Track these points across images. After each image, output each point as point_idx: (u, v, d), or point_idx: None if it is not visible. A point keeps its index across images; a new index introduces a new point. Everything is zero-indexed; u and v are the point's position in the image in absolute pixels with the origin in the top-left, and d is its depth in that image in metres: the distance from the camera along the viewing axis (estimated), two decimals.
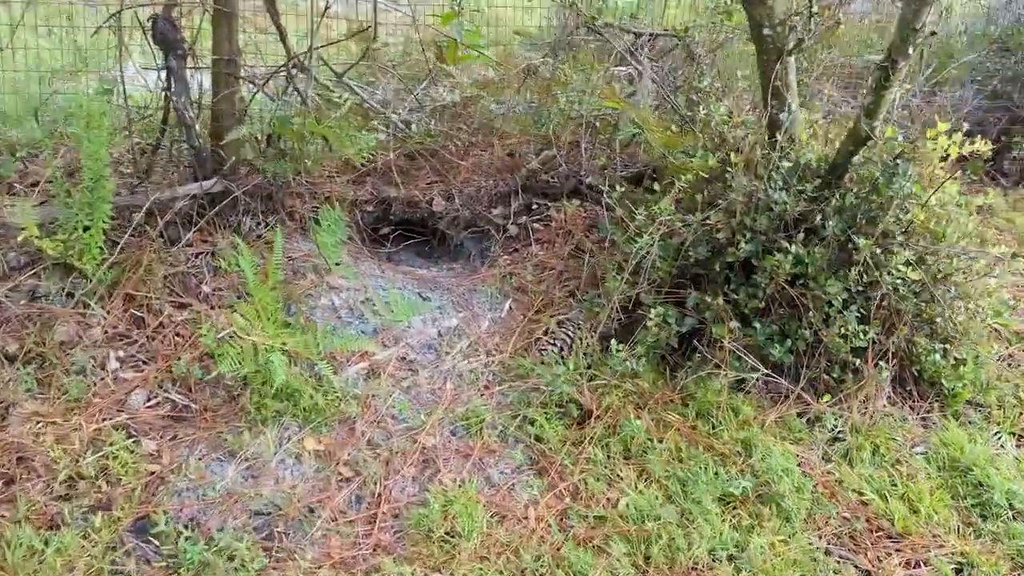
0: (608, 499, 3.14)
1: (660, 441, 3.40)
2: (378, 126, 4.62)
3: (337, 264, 3.95)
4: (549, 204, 4.84)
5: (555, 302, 4.21)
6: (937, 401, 3.77)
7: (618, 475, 3.25)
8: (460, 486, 3.14)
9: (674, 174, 4.09)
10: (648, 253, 3.74)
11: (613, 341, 3.68)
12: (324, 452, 3.23)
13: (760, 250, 3.67)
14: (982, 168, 5.97)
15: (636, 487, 3.18)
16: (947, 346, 3.71)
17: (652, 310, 3.66)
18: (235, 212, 4.15)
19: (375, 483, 3.13)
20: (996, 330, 4.20)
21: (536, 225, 4.74)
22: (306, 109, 4.09)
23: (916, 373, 3.77)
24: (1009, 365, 4.09)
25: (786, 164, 3.70)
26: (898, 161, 3.43)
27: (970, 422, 3.72)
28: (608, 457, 3.33)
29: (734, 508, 3.12)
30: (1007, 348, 4.21)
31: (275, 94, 4.39)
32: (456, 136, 5.19)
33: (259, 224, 4.22)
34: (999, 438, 3.64)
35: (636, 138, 5.03)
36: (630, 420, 3.44)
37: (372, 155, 4.52)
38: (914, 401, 3.78)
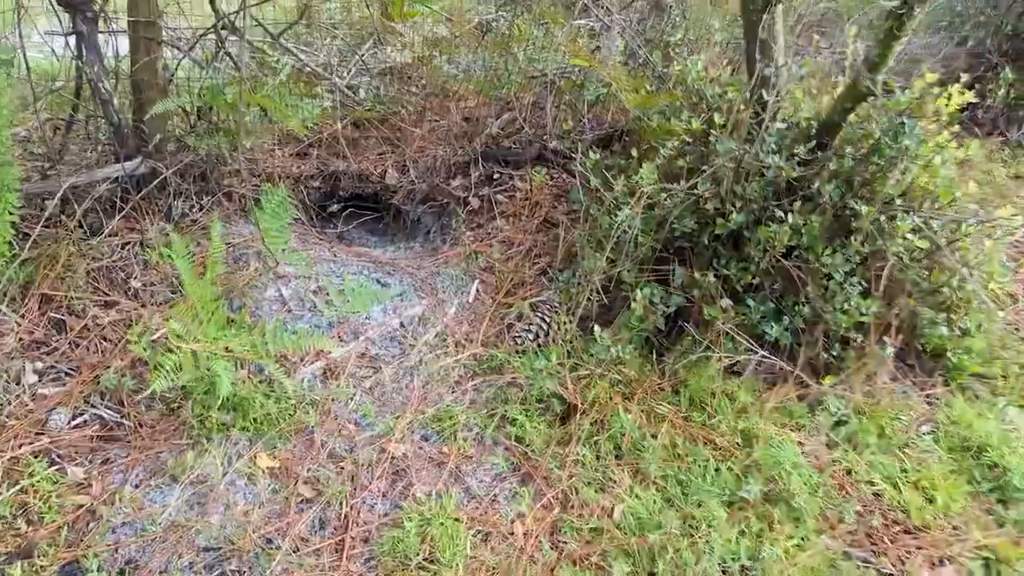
0: (602, 507, 2.82)
1: (653, 436, 3.08)
2: (322, 93, 4.17)
3: (283, 250, 3.53)
4: (512, 173, 4.46)
5: (526, 282, 3.85)
6: (941, 375, 3.52)
7: (611, 478, 2.93)
8: (437, 501, 2.79)
9: (653, 138, 3.74)
10: (630, 227, 3.39)
11: (596, 326, 3.34)
12: (280, 469, 2.85)
13: (752, 220, 3.35)
14: (956, 118, 5.74)
15: (632, 492, 2.87)
16: (951, 316, 3.46)
17: (638, 290, 3.33)
18: (164, 195, 3.71)
19: (340, 503, 2.77)
20: (994, 294, 3.97)
21: (500, 197, 4.36)
22: (240, 76, 3.62)
23: (920, 346, 3.51)
24: (1008, 331, 3.87)
25: (778, 125, 3.37)
26: (904, 119, 3.12)
27: (976, 396, 3.48)
28: (598, 458, 3.01)
29: (741, 510, 2.83)
30: (1002, 311, 3.98)
31: (204, 60, 3.90)
32: (408, 101, 4.75)
33: (192, 207, 3.78)
34: (1006, 411, 3.41)
35: (601, 98, 4.67)
36: (618, 414, 3.12)
37: (316, 125, 4.10)
38: (916, 376, 3.52)
